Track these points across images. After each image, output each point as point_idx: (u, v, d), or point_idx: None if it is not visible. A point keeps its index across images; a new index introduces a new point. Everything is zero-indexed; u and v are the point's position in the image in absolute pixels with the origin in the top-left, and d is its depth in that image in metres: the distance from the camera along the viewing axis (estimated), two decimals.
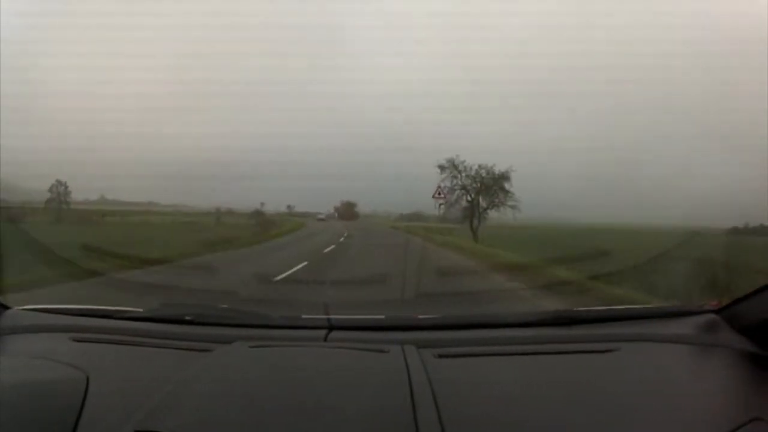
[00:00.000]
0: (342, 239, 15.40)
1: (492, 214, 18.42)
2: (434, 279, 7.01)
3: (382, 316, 1.68)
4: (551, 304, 4.74)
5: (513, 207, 17.72)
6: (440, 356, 1.32)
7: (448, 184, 18.38)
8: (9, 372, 1.14)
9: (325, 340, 1.46)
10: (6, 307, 1.65)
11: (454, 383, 1.16)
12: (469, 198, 18.45)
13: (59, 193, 22.51)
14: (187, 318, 1.61)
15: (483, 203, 18.54)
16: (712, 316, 1.48)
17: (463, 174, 18.40)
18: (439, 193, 17.15)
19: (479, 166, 18.25)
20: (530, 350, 1.40)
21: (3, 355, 1.35)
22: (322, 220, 28.35)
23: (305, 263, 8.86)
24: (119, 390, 1.13)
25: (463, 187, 18.41)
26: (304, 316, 1.64)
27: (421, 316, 1.69)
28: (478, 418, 1.02)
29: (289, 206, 29.97)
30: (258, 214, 24.56)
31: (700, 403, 1.11)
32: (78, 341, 1.47)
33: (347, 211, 30.42)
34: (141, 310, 1.71)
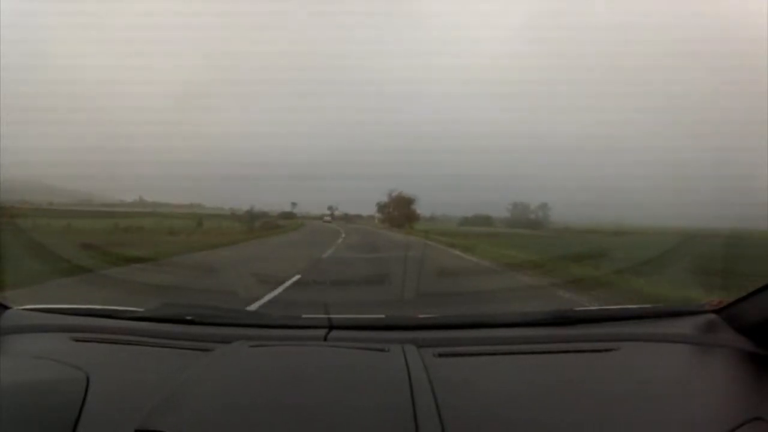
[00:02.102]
0: None
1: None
2: None
3: (382, 316, 1.68)
4: None
5: None
6: (440, 355, 1.32)
7: None
8: (9, 372, 1.14)
9: (325, 339, 1.46)
10: (6, 307, 1.65)
11: (454, 382, 1.16)
12: None
13: None
14: (188, 318, 1.62)
15: None
16: (712, 316, 1.48)
17: None
18: None
19: None
20: (530, 350, 1.40)
21: (3, 355, 1.35)
22: (328, 222, 24.63)
23: None
24: (119, 390, 1.13)
25: None
26: (304, 316, 1.65)
27: (421, 316, 1.69)
28: (477, 417, 1.02)
29: (330, 207, 28.28)
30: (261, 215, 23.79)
31: (699, 402, 1.11)
32: (78, 341, 1.47)
33: (401, 212, 20.69)
34: (141, 309, 1.71)
